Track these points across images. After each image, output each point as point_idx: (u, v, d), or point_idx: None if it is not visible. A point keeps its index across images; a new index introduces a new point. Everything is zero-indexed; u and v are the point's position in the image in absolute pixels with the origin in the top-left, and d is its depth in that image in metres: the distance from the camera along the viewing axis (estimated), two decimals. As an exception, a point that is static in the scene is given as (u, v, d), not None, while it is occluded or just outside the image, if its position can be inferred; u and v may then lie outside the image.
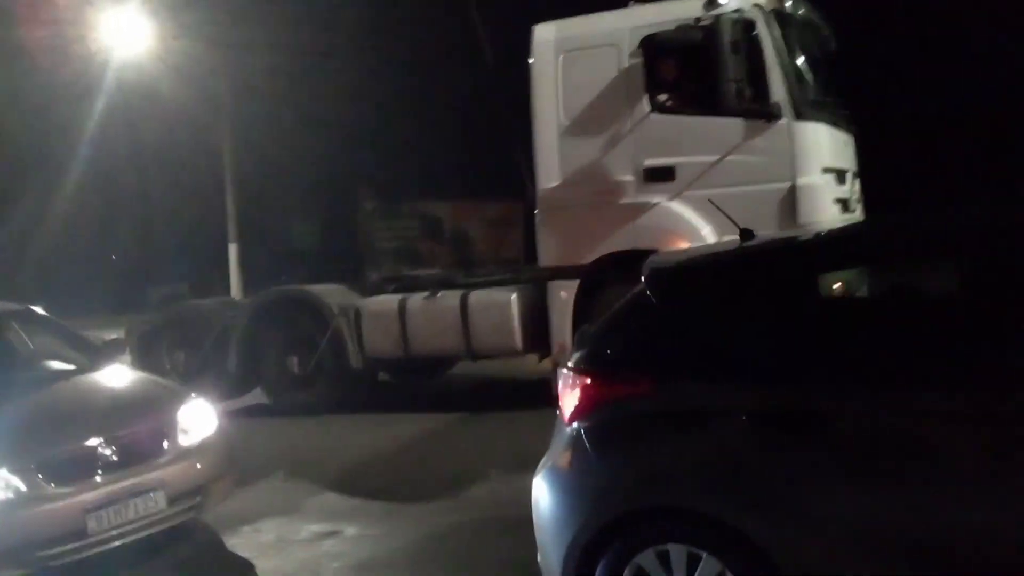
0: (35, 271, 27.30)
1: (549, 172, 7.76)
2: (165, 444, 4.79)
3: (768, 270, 3.21)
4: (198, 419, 5.06)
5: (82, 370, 5.49)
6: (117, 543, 4.47)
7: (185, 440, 4.90)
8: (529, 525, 3.34)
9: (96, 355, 5.74)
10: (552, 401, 3.47)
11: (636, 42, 7.39)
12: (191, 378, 9.29)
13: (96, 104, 24.14)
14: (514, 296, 8.14)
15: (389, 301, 8.83)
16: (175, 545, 5.06)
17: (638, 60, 7.42)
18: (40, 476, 4.28)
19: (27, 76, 23.90)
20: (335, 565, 4.79)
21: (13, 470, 4.23)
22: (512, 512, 5.16)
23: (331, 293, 9.25)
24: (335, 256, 27.98)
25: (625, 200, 7.48)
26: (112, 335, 6.13)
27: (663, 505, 3.01)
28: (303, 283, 10.03)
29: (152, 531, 4.64)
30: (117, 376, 5.53)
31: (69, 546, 4.28)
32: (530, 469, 3.39)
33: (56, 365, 5.71)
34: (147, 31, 21.15)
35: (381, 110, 28.12)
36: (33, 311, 6.03)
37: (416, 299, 8.65)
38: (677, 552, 2.92)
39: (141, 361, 9.62)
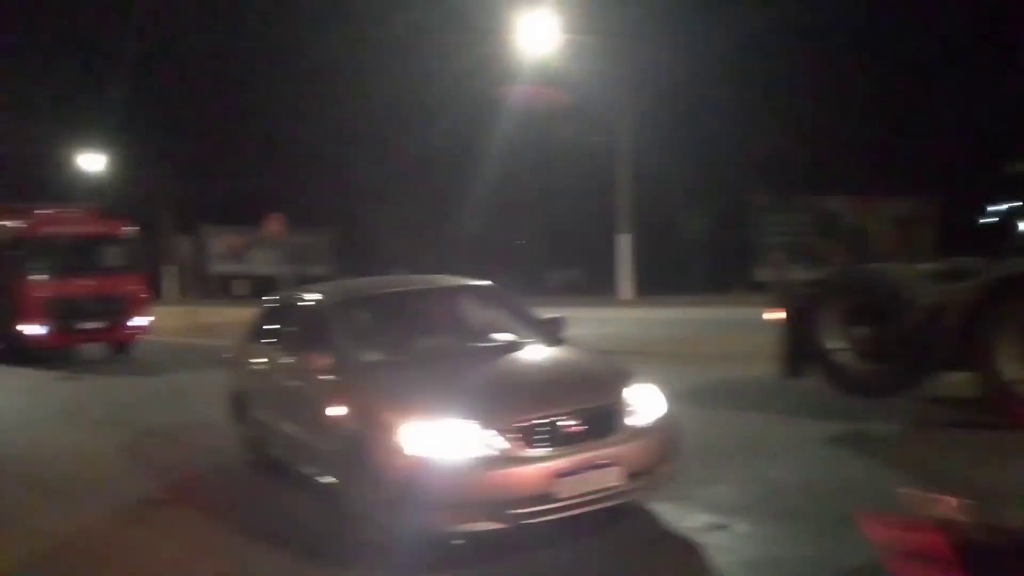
0: (457, 255, 30.57)
1: None
2: (620, 421, 4.91)
3: None
4: (648, 400, 5.12)
5: (535, 343, 5.84)
6: (577, 511, 4.66)
7: (637, 420, 4.98)
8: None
9: (542, 330, 6.08)
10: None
11: None
12: (880, 360, 7.88)
13: (508, 101, 26.11)
14: None
15: None
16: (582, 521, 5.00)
17: None
18: (517, 439, 4.59)
19: (452, 76, 26.51)
20: (727, 559, 4.68)
21: (497, 430, 4.57)
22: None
23: None
24: (724, 249, 27.69)
25: None
26: (549, 313, 6.45)
27: None
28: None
29: (606, 504, 4.78)
30: (567, 351, 5.81)
31: (537, 508, 4.54)
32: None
33: (511, 337, 6.12)
34: (556, 30, 22.37)
35: (776, 100, 27.09)
36: (490, 286, 6.55)
37: None
38: None
39: (794, 334, 8.41)
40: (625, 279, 26.10)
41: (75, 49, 33.73)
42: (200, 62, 31.81)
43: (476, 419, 4.60)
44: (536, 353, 5.74)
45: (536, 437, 4.62)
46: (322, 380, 5.52)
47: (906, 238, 28.29)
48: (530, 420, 4.65)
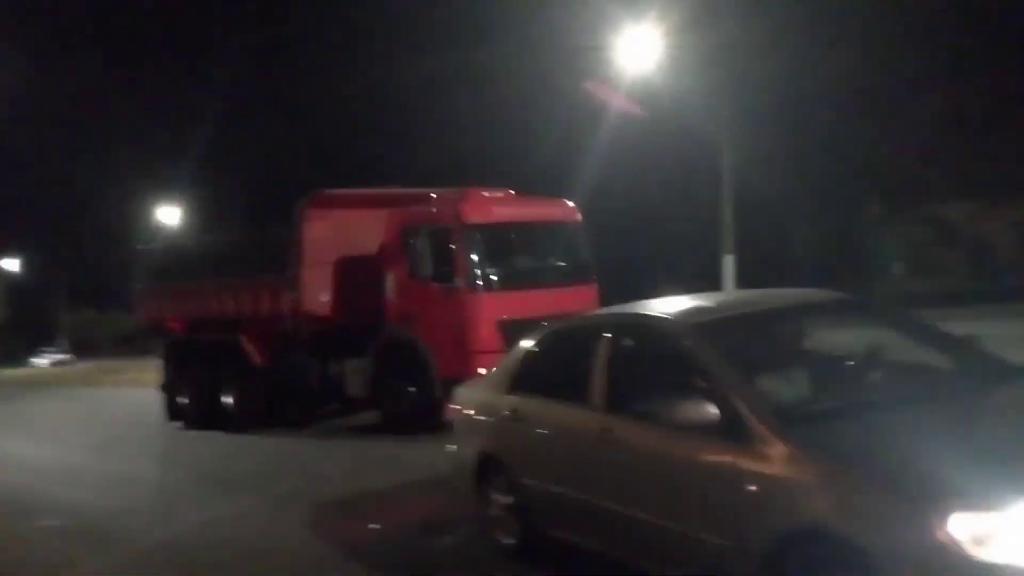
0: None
1: None
2: None
3: None
4: None
5: (1001, 376, 4.18)
6: None
7: None
8: None
9: (966, 354, 4.42)
10: None
11: None
12: None
13: (606, 118, 24.88)
14: None
15: None
16: None
17: None
18: None
19: (548, 96, 25.32)
20: None
21: None
22: None
23: None
24: (835, 265, 25.91)
25: None
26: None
27: None
28: None
29: None
30: None
31: None
32: None
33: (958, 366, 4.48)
34: (657, 44, 21.06)
35: (885, 104, 25.47)
36: (861, 299, 4.95)
37: None
38: None
39: None
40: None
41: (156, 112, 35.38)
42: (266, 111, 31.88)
43: None
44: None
45: None
46: (701, 440, 3.90)
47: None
48: None
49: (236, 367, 12.07)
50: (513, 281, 10.10)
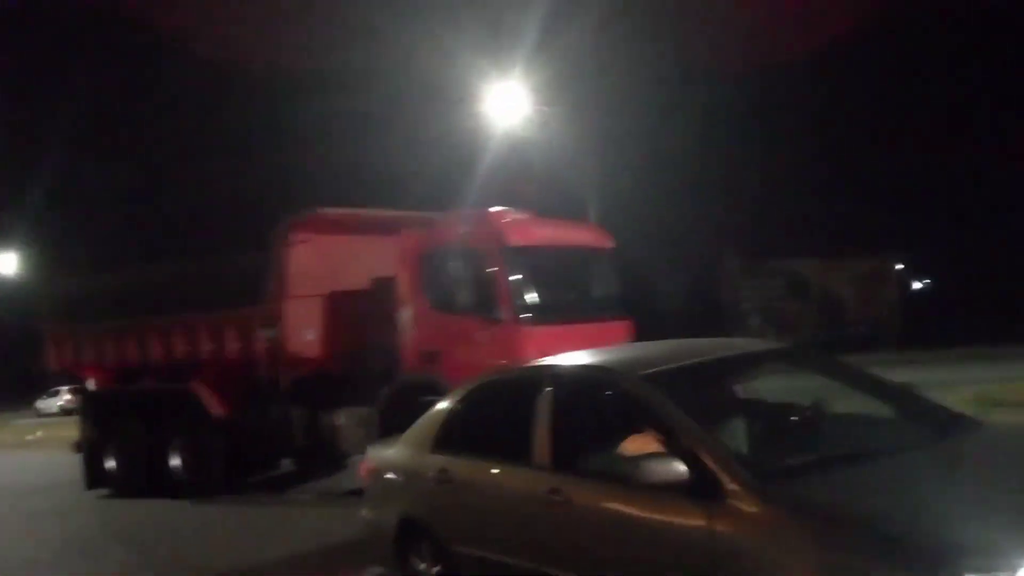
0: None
1: None
2: None
3: None
4: None
5: (954, 425, 4.17)
6: None
7: None
8: None
9: (908, 402, 4.44)
10: None
11: None
12: None
13: (477, 169, 25.14)
14: None
15: None
16: None
17: None
18: None
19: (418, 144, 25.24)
20: None
21: None
22: None
23: None
24: (699, 317, 26.86)
25: None
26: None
27: None
28: None
29: None
30: None
31: None
32: None
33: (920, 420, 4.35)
34: (524, 100, 21.57)
35: (743, 166, 26.94)
36: (806, 348, 4.94)
37: None
38: None
39: None
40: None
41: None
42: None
43: None
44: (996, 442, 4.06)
45: None
46: (668, 500, 3.70)
47: (869, 298, 28.20)
48: None
49: (187, 421, 10.31)
50: (559, 313, 8.78)
